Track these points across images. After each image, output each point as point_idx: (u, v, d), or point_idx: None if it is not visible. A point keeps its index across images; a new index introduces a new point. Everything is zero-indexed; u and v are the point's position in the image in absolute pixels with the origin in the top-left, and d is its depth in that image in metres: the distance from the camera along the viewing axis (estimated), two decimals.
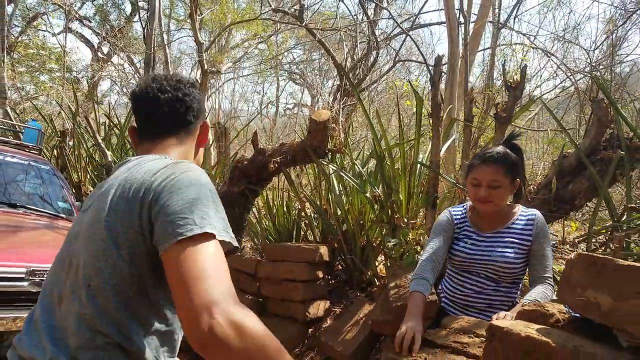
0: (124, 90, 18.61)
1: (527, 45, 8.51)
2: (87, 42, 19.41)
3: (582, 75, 7.91)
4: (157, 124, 1.39)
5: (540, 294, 2.01)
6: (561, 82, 9.76)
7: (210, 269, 1.01)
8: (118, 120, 7.39)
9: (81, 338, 1.11)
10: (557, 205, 3.15)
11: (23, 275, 3.13)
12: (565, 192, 3.16)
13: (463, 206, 2.39)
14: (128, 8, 18.75)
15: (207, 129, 1.50)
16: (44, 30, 17.60)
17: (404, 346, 1.92)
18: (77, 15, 17.35)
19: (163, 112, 1.38)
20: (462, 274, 2.27)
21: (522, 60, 7.84)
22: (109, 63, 18.44)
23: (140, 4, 16.58)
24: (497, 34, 9.85)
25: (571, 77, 8.14)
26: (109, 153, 6.42)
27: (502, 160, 2.13)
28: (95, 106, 8.35)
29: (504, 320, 1.58)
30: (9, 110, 8.30)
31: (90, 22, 18.83)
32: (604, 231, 3.22)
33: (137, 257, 1.13)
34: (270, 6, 10.51)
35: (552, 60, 9.55)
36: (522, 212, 2.23)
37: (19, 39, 16.24)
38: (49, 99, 13.52)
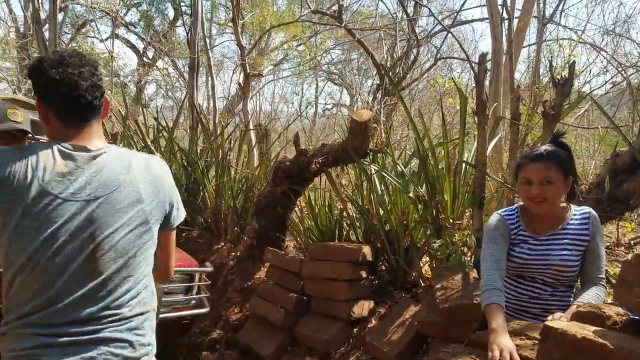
0: (169, 94, 19.10)
1: (574, 40, 8.25)
2: (133, 48, 20.03)
3: (634, 70, 7.61)
4: (82, 109, 1.50)
5: (594, 296, 1.94)
6: (612, 78, 9.41)
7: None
8: (166, 123, 7.59)
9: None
10: (610, 205, 3.05)
11: None
12: (619, 192, 3.05)
13: (513, 209, 2.30)
14: (171, 13, 19.24)
15: (109, 103, 1.65)
16: (92, 37, 18.28)
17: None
18: (123, 22, 17.90)
19: (86, 99, 1.49)
20: (516, 279, 2.20)
21: (569, 55, 7.60)
22: (154, 67, 18.95)
23: (183, 8, 17.00)
24: (542, 29, 9.59)
25: (623, 72, 7.84)
26: (157, 155, 6.61)
27: (551, 157, 2.07)
28: (143, 109, 8.59)
29: (559, 321, 1.55)
30: None
31: (135, 27, 19.43)
32: None
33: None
34: (309, 8, 10.58)
35: (601, 54, 9.23)
36: (575, 211, 2.16)
37: (69, 45, 16.87)
38: None
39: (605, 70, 9.22)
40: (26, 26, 13.22)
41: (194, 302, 4.19)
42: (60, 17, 15.53)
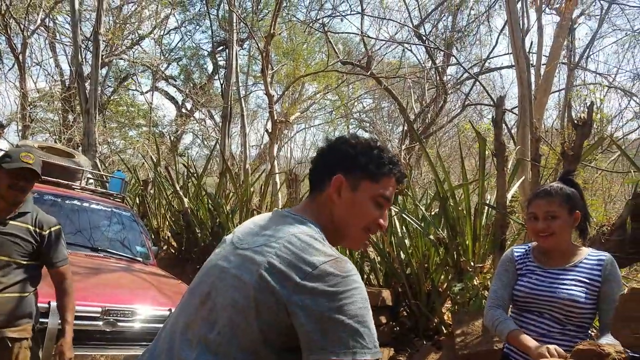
0: (204, 143, 19.68)
1: (602, 85, 8.17)
2: (172, 99, 20.86)
3: None
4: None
5: (611, 342, 1.86)
6: None
7: None
8: (195, 170, 7.81)
9: None
10: (633, 247, 2.94)
11: (98, 315, 3.30)
12: None
13: (527, 244, 2.31)
14: (210, 67, 20.06)
15: (336, 181, 1.34)
16: (134, 90, 19.18)
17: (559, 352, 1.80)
18: (163, 75, 18.77)
19: (315, 171, 1.40)
20: (525, 315, 2.14)
21: (599, 99, 7.51)
22: (191, 118, 19.63)
23: (222, 62, 17.73)
24: (571, 74, 9.55)
25: None
26: (185, 200, 6.77)
27: (556, 193, 2.08)
28: (176, 157, 8.87)
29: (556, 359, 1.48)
30: (98, 162, 9.02)
31: (175, 80, 20.29)
32: None
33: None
34: (339, 59, 10.89)
35: (633, 99, 9.09)
36: (592, 253, 2.11)
37: (111, 97, 17.74)
38: (135, 152, 14.54)
39: (638, 115, 9.05)
40: (71, 80, 13.99)
41: None
42: (104, 71, 16.45)
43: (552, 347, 1.82)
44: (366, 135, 1.36)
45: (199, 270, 1.38)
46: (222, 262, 1.25)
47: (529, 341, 1.93)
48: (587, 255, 2.09)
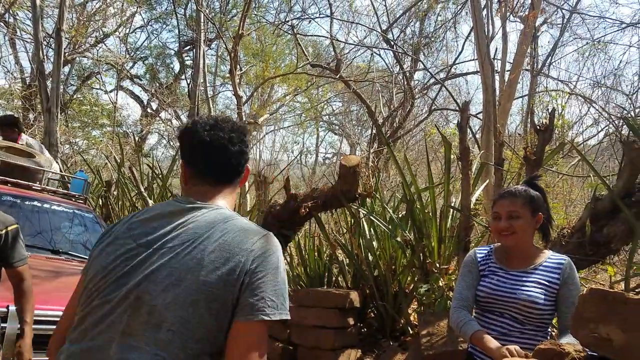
0: (171, 143, 19.38)
1: (564, 92, 8.43)
2: (137, 99, 20.49)
3: (622, 122, 7.74)
4: (221, 173, 1.45)
5: (571, 341, 1.92)
6: (603, 129, 9.56)
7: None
8: (160, 171, 7.68)
9: None
10: (592, 249, 3.05)
11: (59, 319, 3.21)
12: (601, 236, 3.05)
13: (489, 246, 2.36)
14: (177, 66, 19.78)
15: (248, 172, 1.55)
16: (98, 89, 18.73)
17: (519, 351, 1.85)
18: (128, 74, 18.40)
19: (229, 163, 1.45)
20: (487, 315, 2.20)
21: (560, 106, 7.76)
22: (157, 118, 19.30)
23: (188, 62, 17.50)
24: (534, 81, 9.82)
25: (612, 122, 7.96)
26: (150, 202, 6.65)
27: (520, 194, 2.14)
28: (141, 158, 8.70)
29: (518, 358, 1.52)
30: (60, 163, 8.76)
31: (140, 80, 19.93)
32: None
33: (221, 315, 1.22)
34: (309, 61, 10.91)
35: (593, 106, 9.41)
36: (552, 256, 2.18)
37: (74, 96, 17.29)
38: (99, 153, 14.22)
39: (597, 121, 9.38)
40: (32, 77, 13.57)
41: None
42: (66, 69, 16.00)
43: (512, 347, 1.87)
44: (335, 137, 1.38)
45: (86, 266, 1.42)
46: (141, 264, 1.25)
47: (491, 342, 1.98)
48: (547, 258, 2.16)
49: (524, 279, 2.11)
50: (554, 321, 2.19)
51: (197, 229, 1.28)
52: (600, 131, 9.52)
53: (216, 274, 1.20)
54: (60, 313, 3.22)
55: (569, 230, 3.19)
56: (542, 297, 2.04)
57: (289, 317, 1.27)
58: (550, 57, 10.77)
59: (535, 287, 2.07)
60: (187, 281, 1.19)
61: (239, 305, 1.20)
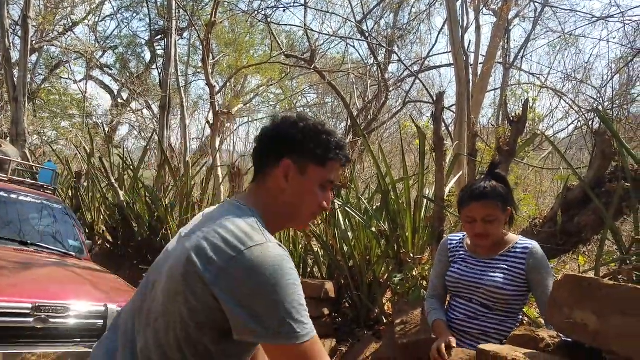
0: (142, 134, 19.05)
1: (535, 85, 8.57)
2: (107, 89, 20.04)
3: (594, 114, 7.90)
4: None
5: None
6: (573, 122, 9.77)
7: None
8: (131, 162, 7.54)
9: None
10: (563, 238, 3.11)
11: (28, 312, 3.13)
12: (572, 226, 3.12)
13: (462, 233, 2.39)
14: (148, 56, 19.41)
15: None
16: (66, 78, 18.27)
17: (441, 349, 1.99)
18: (98, 64, 17.98)
19: None
20: (457, 300, 2.27)
21: (532, 99, 7.87)
22: (127, 108, 18.93)
23: (160, 52, 17.19)
24: (507, 74, 9.95)
25: (583, 115, 8.13)
26: (121, 193, 6.53)
27: (493, 195, 2.13)
28: (111, 149, 8.53)
29: (492, 344, 1.54)
30: (27, 153, 8.54)
31: (110, 69, 19.50)
32: (613, 265, 3.15)
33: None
34: (283, 51, 10.82)
35: (563, 99, 9.58)
36: (519, 242, 2.20)
37: (42, 86, 16.82)
38: (68, 143, 13.89)
39: (567, 114, 9.57)
40: None
41: None
42: (34, 57, 15.54)
43: (452, 338, 2.07)
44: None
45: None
46: (166, 253, 1.26)
47: (442, 333, 2.16)
48: (515, 243, 2.19)
49: (491, 265, 2.16)
50: (525, 308, 2.24)
51: None
52: (571, 124, 9.72)
53: None
54: (29, 305, 3.16)
55: (541, 220, 3.25)
56: (507, 282, 2.09)
57: None
58: (522, 50, 10.95)
59: (500, 272, 2.12)
60: None
61: None
